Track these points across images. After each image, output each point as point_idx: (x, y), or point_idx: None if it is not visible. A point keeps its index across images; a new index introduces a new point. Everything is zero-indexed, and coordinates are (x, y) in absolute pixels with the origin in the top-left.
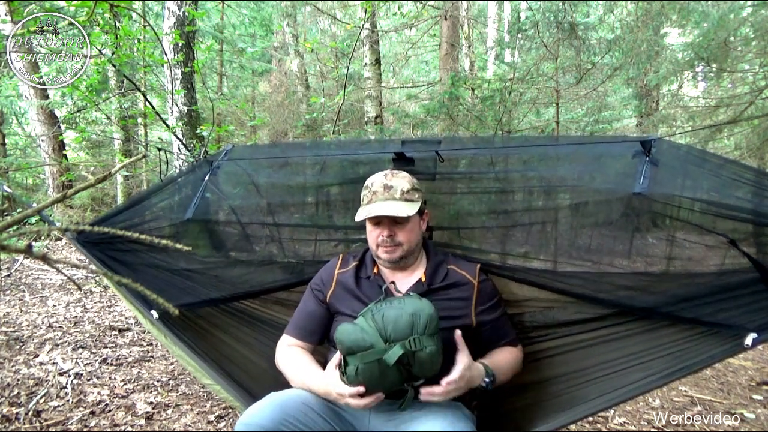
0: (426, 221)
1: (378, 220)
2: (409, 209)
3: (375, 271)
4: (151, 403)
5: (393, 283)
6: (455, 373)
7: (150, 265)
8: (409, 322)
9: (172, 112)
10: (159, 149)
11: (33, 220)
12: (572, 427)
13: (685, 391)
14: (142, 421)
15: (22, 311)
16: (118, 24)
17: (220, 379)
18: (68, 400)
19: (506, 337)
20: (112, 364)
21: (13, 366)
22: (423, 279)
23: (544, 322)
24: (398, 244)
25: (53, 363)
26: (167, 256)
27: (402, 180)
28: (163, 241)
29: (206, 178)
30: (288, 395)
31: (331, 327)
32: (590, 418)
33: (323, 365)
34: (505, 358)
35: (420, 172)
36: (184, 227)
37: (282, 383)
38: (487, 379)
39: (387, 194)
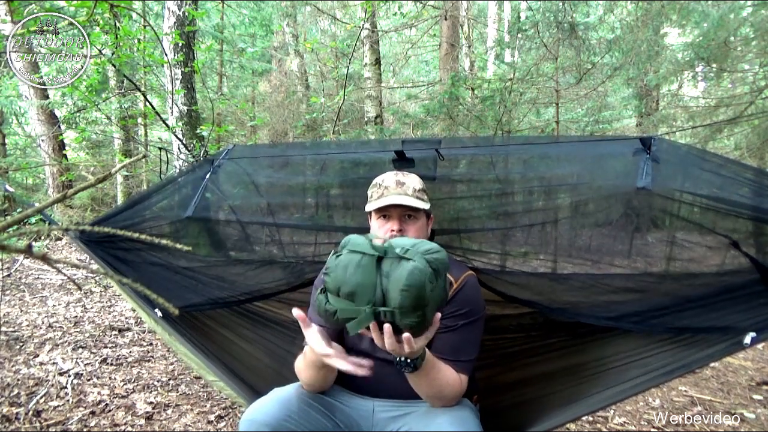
0: (430, 226)
1: (387, 215)
2: (423, 204)
3: None
4: (151, 403)
5: None
6: (431, 331)
7: (151, 263)
8: (412, 242)
9: (172, 112)
10: (159, 148)
11: (33, 220)
12: (572, 426)
13: (685, 391)
14: (142, 421)
15: (22, 311)
16: (118, 24)
17: (224, 376)
18: (68, 400)
19: (454, 355)
20: (112, 364)
21: (13, 366)
22: None
23: (545, 320)
24: None
25: (53, 363)
26: (168, 254)
27: (413, 179)
28: (164, 241)
29: (207, 177)
30: (292, 391)
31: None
32: (590, 418)
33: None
34: (444, 373)
35: (420, 173)
36: (184, 226)
37: (286, 378)
38: (416, 360)
39: (400, 189)
